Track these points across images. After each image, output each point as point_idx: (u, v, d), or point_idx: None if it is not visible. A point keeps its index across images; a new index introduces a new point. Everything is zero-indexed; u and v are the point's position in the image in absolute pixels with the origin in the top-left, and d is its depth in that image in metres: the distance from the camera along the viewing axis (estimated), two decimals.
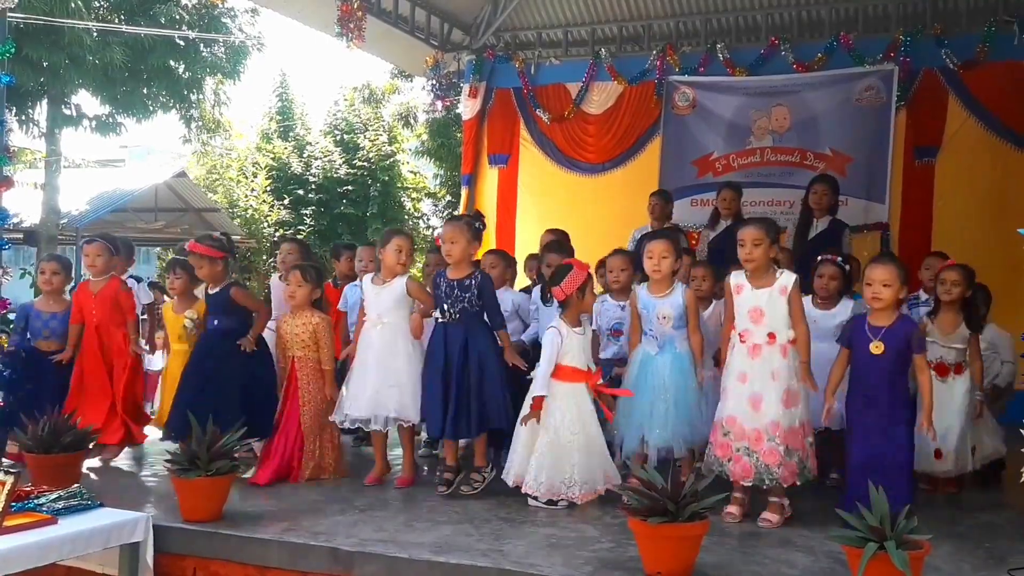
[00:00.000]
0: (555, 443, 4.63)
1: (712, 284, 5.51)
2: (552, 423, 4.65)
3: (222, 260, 5.55)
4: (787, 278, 4.48)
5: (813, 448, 4.48)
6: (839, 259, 5.31)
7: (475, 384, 4.87)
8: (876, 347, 4.28)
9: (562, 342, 4.68)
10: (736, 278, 4.60)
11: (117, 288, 5.81)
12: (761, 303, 4.46)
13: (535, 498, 4.69)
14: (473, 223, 5.21)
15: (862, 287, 4.77)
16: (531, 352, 5.36)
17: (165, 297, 7.21)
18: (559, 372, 4.70)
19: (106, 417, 5.61)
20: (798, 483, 4.39)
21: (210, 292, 5.60)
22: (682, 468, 4.83)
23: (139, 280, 6.67)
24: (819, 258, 5.38)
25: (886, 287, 4.29)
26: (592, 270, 5.07)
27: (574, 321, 4.77)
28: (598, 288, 5.72)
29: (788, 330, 4.44)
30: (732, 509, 4.48)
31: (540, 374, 4.68)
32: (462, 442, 5.29)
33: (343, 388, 5.23)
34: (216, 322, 5.54)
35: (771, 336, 4.43)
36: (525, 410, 4.73)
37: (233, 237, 20.79)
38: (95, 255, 5.77)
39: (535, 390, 4.68)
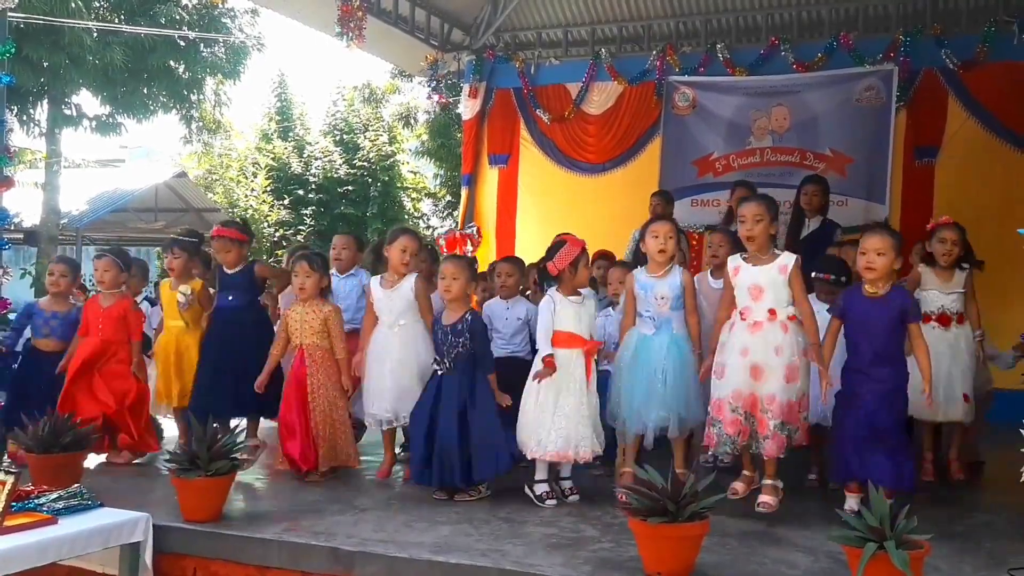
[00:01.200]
0: (543, 404, 4.74)
1: (728, 250, 5.35)
2: (550, 387, 4.75)
3: (247, 243, 5.83)
4: (787, 258, 4.49)
5: (807, 422, 4.48)
6: (831, 278, 5.23)
7: (478, 434, 4.81)
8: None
9: (555, 308, 4.80)
10: (733, 261, 4.62)
11: (127, 307, 5.74)
12: (759, 280, 4.47)
13: (532, 489, 4.83)
14: (474, 263, 5.28)
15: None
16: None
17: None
18: (555, 338, 4.80)
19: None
20: (782, 455, 4.38)
21: (228, 272, 5.75)
22: (675, 449, 4.90)
23: (152, 303, 6.64)
24: (812, 275, 5.29)
25: (880, 255, 4.31)
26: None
27: (569, 291, 4.85)
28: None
29: (788, 307, 4.43)
30: (737, 485, 4.53)
31: (540, 339, 4.84)
32: None
33: (360, 387, 5.29)
34: (231, 299, 5.72)
35: (771, 312, 4.43)
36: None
37: None
38: (103, 270, 5.74)
39: (541, 351, 4.82)
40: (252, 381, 5.42)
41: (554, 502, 4.78)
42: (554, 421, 4.73)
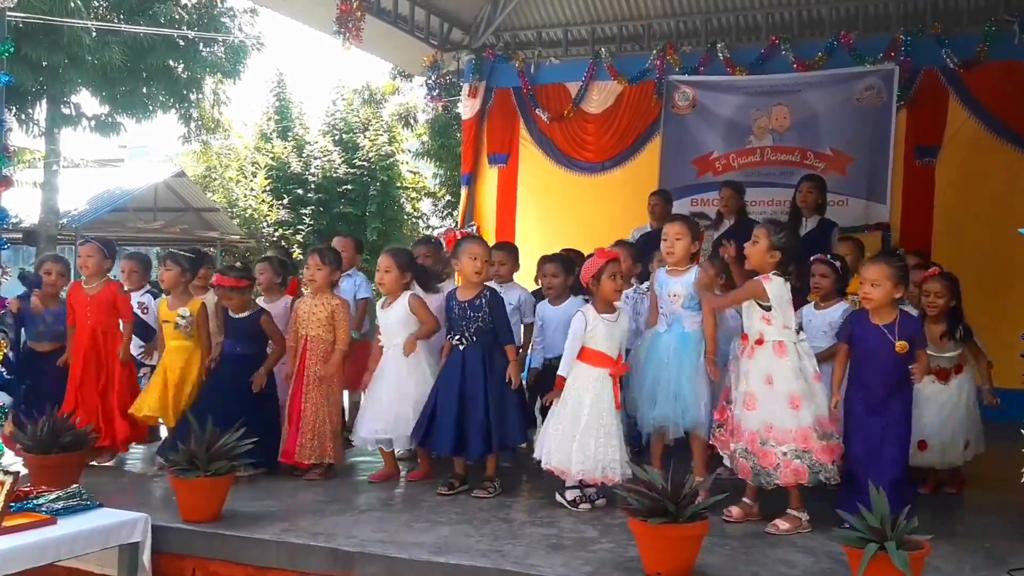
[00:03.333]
0: (587, 425, 4.66)
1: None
2: (576, 404, 4.70)
3: (248, 288, 5.57)
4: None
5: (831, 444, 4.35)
6: (828, 256, 5.32)
7: (495, 404, 4.91)
8: (901, 346, 4.27)
9: (586, 326, 4.72)
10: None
11: (115, 291, 5.77)
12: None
13: (563, 495, 4.79)
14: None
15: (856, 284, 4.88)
16: (543, 374, 5.44)
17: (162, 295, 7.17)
18: (585, 355, 4.74)
19: (101, 420, 5.57)
20: (807, 483, 4.29)
21: (234, 316, 5.53)
22: (693, 452, 4.86)
23: (155, 296, 6.65)
24: (810, 259, 5.36)
25: (874, 286, 4.31)
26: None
27: (603, 308, 4.77)
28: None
29: (783, 330, 4.38)
30: (732, 509, 4.47)
31: (564, 356, 4.78)
32: None
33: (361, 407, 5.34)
34: (238, 348, 5.51)
35: (758, 341, 4.42)
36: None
37: (232, 237, 20.61)
38: (87, 256, 5.74)
39: (561, 368, 4.78)
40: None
41: (588, 506, 4.73)
42: (581, 441, 4.63)
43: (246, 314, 5.50)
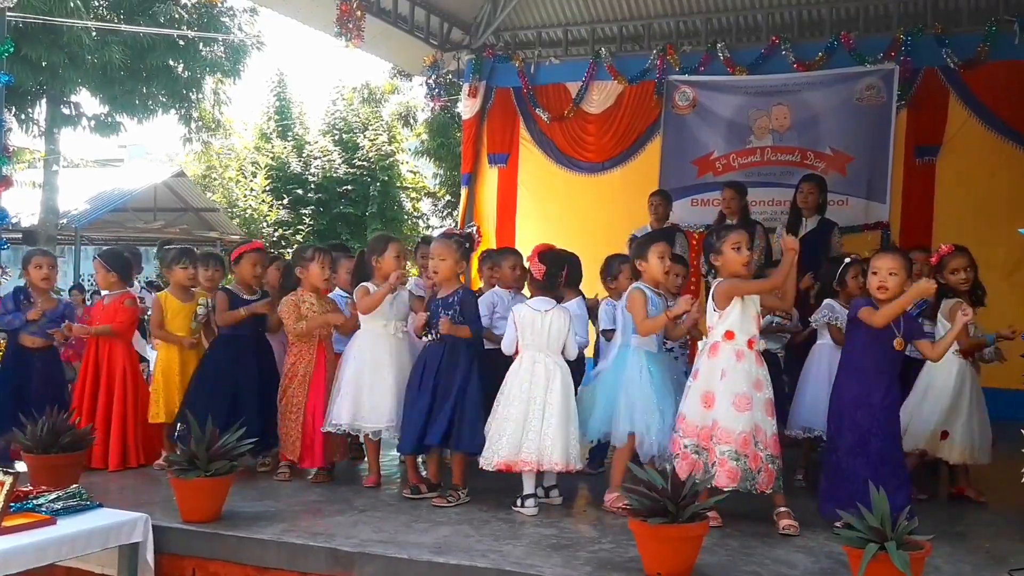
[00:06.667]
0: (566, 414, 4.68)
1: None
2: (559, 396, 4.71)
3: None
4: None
5: (773, 463, 4.26)
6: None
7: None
8: (899, 343, 4.27)
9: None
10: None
11: (118, 303, 5.84)
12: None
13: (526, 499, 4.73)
14: (463, 243, 5.19)
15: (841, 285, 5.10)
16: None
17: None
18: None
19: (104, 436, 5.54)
20: (738, 487, 4.21)
21: (247, 297, 5.66)
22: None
23: (151, 290, 6.66)
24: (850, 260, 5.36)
25: (892, 275, 4.28)
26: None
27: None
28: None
29: (750, 331, 4.34)
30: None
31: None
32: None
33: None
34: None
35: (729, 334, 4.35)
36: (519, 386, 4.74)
37: (232, 237, 20.57)
38: (95, 271, 5.92)
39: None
40: (252, 414, 5.22)
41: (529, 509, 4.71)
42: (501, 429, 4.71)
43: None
